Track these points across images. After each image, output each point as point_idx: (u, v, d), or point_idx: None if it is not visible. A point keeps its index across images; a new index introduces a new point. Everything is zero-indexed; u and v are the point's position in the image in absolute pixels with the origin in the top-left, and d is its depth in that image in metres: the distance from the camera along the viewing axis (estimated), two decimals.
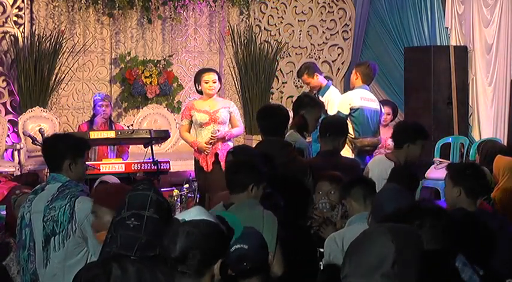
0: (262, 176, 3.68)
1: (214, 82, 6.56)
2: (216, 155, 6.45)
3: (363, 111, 6.41)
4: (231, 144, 6.55)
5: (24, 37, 9.17)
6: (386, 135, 7.61)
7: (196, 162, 6.61)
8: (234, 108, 6.72)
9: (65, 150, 3.65)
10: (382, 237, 1.94)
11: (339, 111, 6.43)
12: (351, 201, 3.86)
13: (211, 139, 6.47)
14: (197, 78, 6.68)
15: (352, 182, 3.99)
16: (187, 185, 7.08)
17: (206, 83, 6.54)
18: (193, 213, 2.38)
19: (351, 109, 6.40)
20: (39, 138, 6.71)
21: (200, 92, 6.71)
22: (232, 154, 4.48)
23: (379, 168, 4.80)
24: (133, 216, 2.70)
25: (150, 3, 9.48)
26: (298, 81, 10.56)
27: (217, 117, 6.53)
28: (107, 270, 2.63)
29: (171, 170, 7.15)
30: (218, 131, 6.47)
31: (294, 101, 6.05)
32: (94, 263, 2.84)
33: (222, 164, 6.03)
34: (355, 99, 6.47)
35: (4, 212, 5.26)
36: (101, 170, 6.59)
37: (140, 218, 2.69)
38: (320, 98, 6.88)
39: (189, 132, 6.78)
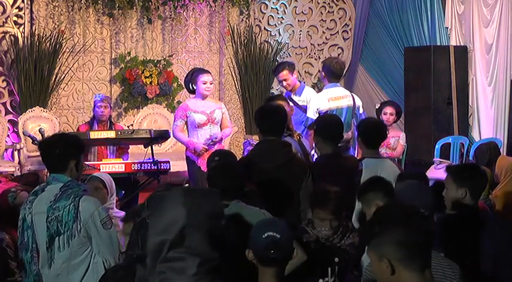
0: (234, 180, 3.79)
1: (211, 83, 6.67)
2: None
3: (332, 113, 6.39)
4: (223, 144, 6.80)
5: (24, 37, 9.17)
6: (388, 134, 7.61)
7: (192, 162, 6.59)
8: (225, 109, 6.85)
9: (69, 150, 3.65)
10: (176, 200, 1.97)
11: (308, 118, 6.46)
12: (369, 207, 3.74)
13: (212, 140, 6.52)
14: (192, 78, 6.66)
15: (365, 187, 3.88)
16: (187, 185, 7.07)
17: (204, 83, 6.56)
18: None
19: (319, 113, 6.41)
20: (39, 138, 6.71)
21: (192, 92, 6.70)
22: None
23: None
24: None
25: (150, 3, 9.48)
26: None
27: (214, 118, 6.62)
28: (131, 271, 2.68)
29: (171, 170, 7.14)
30: (217, 134, 6.56)
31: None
32: (120, 265, 2.96)
33: None
34: (322, 102, 6.49)
35: None
36: (101, 170, 6.58)
37: None
38: (297, 97, 6.91)
39: (183, 132, 6.78)
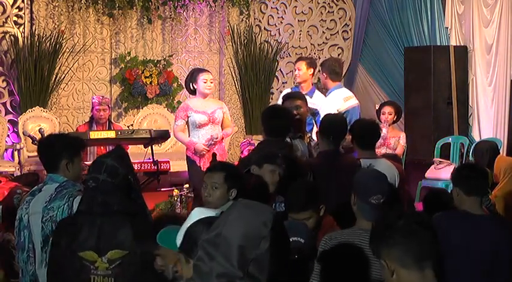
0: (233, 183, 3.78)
1: (212, 82, 6.63)
2: (214, 155, 6.46)
3: (348, 113, 6.38)
4: (223, 144, 6.78)
5: (24, 37, 9.17)
6: (388, 134, 7.61)
7: (192, 162, 6.57)
8: (226, 109, 6.82)
9: (61, 150, 3.63)
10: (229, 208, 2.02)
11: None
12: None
13: (212, 140, 6.50)
14: (193, 78, 6.64)
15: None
16: (187, 185, 7.08)
17: (204, 82, 6.55)
18: (195, 216, 2.38)
19: None
20: (39, 138, 6.71)
21: (193, 92, 6.69)
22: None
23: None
24: (92, 179, 3.26)
25: (150, 3, 9.48)
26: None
27: (215, 118, 6.58)
28: (76, 222, 3.23)
29: (171, 170, 7.16)
30: (217, 134, 6.54)
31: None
32: (66, 218, 3.40)
33: None
34: (339, 102, 6.47)
35: None
36: None
37: (96, 180, 3.25)
38: (309, 99, 6.88)
39: (184, 132, 6.76)
